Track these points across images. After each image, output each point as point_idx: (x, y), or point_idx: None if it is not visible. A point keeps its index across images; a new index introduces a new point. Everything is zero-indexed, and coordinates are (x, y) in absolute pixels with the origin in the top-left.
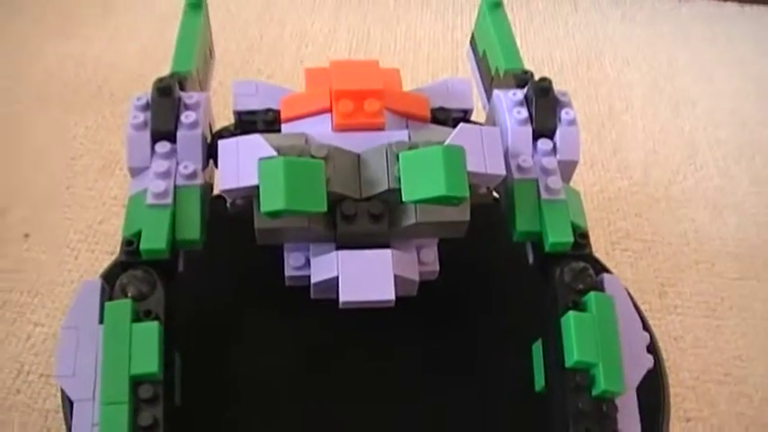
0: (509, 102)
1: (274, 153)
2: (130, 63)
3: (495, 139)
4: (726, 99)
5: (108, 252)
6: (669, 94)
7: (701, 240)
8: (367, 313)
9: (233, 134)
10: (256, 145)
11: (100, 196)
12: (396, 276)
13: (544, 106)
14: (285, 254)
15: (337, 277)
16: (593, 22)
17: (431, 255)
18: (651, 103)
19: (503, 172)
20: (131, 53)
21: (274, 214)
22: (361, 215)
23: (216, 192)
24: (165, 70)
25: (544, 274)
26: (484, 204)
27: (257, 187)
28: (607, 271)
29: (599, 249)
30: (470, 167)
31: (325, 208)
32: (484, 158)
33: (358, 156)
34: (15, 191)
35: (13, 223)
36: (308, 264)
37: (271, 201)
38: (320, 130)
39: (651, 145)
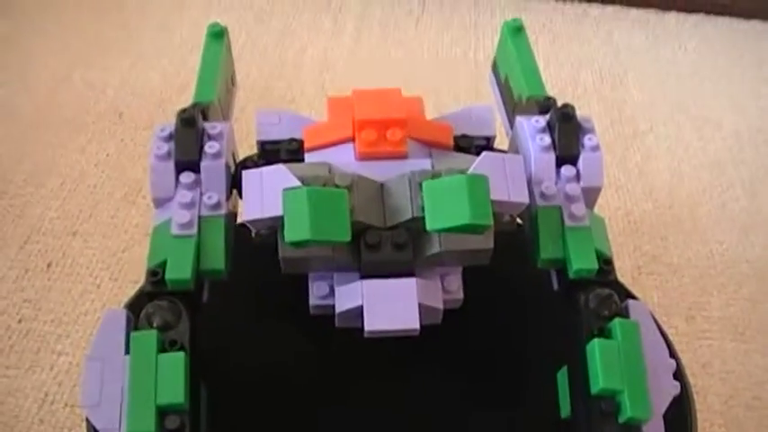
0: (532, 129)
1: (298, 183)
2: (151, 90)
3: (518, 167)
4: (752, 118)
5: (131, 281)
6: (694, 115)
7: (727, 263)
8: (391, 341)
9: (256, 164)
10: (280, 175)
11: (122, 224)
12: (420, 305)
13: (567, 132)
14: (309, 283)
15: (362, 306)
16: (617, 42)
17: (455, 283)
18: (676, 124)
19: (526, 200)
20: (152, 80)
21: (299, 244)
22: (385, 244)
23: (240, 220)
24: (186, 97)
25: (569, 300)
26: (507, 231)
27: (282, 218)
28: (632, 297)
29: (625, 274)
30: (494, 196)
31: (349, 237)
32: (507, 186)
33: (381, 184)
34: (37, 220)
35: (35, 252)
36: (332, 293)
37: (295, 231)
38: (343, 159)
39: (676, 166)
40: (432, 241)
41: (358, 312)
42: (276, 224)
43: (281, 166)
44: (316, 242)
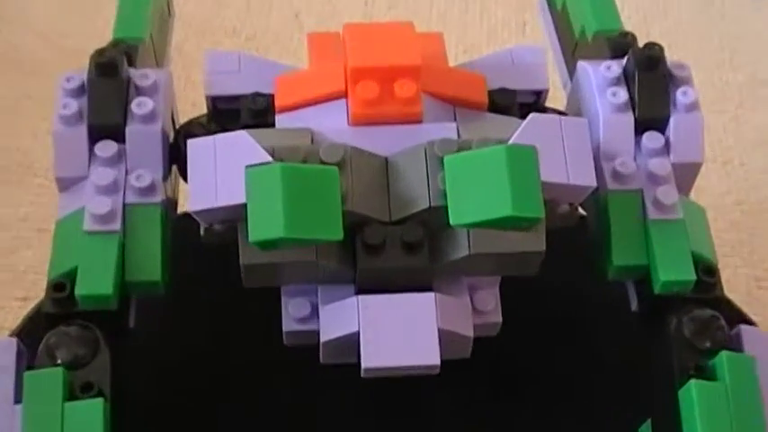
0: (601, 79)
1: (267, 157)
2: (51, 21)
3: (580, 135)
4: None
5: (18, 298)
6: None
7: None
8: (397, 382)
9: (206, 130)
10: (242, 146)
11: (4, 217)
12: (441, 331)
13: (652, 85)
14: (283, 300)
15: (358, 333)
16: None
17: (490, 300)
18: None
19: (592, 182)
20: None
21: (269, 245)
22: (391, 245)
23: (183, 210)
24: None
25: (653, 325)
26: (565, 227)
27: (244, 207)
28: (746, 321)
29: (737, 288)
30: (546, 176)
31: (340, 235)
32: (565, 163)
33: (385, 160)
34: None
35: None
36: (315, 314)
37: (264, 226)
38: (332, 123)
39: None
40: (457, 241)
41: (353, 342)
42: (236, 216)
43: (242, 134)
44: (293, 242)
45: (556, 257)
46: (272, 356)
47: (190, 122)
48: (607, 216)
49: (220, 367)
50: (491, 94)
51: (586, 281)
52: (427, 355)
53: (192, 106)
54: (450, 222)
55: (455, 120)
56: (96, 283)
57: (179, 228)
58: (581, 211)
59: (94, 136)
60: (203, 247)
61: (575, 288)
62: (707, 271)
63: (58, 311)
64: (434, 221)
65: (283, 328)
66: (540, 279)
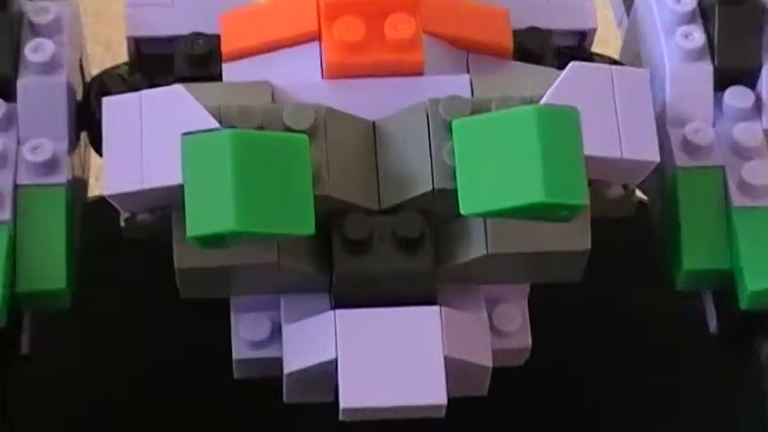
0: (669, 14)
1: (214, 122)
2: None
3: (639, 92)
4: None
5: None
6: None
7: None
8: (389, 429)
9: (128, 85)
10: (177, 106)
11: None
12: (449, 360)
13: (738, 22)
14: (233, 318)
15: (335, 362)
16: None
17: (516, 318)
18: None
19: (654, 156)
20: None
21: (214, 242)
22: (380, 241)
23: (96, 193)
24: None
25: (737, 351)
26: (618, 220)
27: (180, 190)
28: None
29: None
30: (592, 149)
31: (311, 228)
32: (617, 129)
33: (373, 126)
34: None
35: None
36: (277, 336)
37: (208, 216)
38: (299, 75)
39: None
40: (470, 237)
41: (328, 374)
42: (169, 202)
43: (178, 89)
44: (248, 238)
45: (605, 259)
46: (217, 396)
47: (105, 74)
48: (675, 203)
49: (144, 412)
50: (517, 35)
51: (647, 291)
52: (430, 391)
53: (106, 50)
54: (461, 211)
55: (468, 71)
56: None
57: (90, 218)
58: (639, 195)
59: None
60: (124, 243)
61: (631, 301)
62: None
63: None
64: (439, 210)
65: (233, 356)
66: (583, 289)
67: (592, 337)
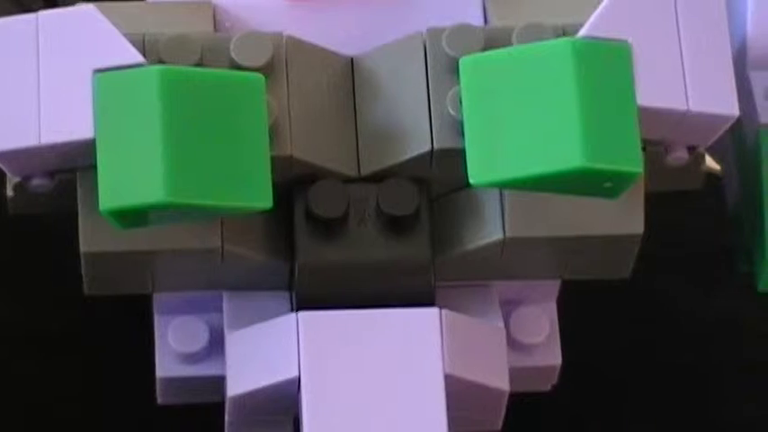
0: None
1: (137, 56)
2: None
3: (711, 21)
4: None
5: None
6: None
7: None
8: None
9: (20, 4)
10: (88, 33)
11: None
12: (451, 380)
13: None
14: (157, 321)
15: (297, 382)
16: None
17: (541, 325)
18: None
19: (731, 109)
20: None
21: (135, 217)
22: (359, 219)
23: None
24: None
25: None
26: (681, 194)
27: (91, 147)
28: None
29: None
30: (648, 98)
31: (269, 201)
32: (682, 73)
33: (350, 63)
34: None
35: None
36: (217, 347)
37: (127, 184)
38: None
39: None
40: (482, 215)
41: (286, 398)
42: (74, 163)
43: (88, 9)
44: (181, 213)
45: (662, 249)
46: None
47: None
48: (759, 173)
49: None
50: None
51: (720, 292)
52: (425, 424)
53: None
54: (471, 180)
55: None
56: None
57: None
58: (710, 162)
59: None
60: (10, 219)
61: (698, 304)
62: None
63: None
64: (440, 178)
65: (157, 373)
66: (631, 288)
67: (641, 353)
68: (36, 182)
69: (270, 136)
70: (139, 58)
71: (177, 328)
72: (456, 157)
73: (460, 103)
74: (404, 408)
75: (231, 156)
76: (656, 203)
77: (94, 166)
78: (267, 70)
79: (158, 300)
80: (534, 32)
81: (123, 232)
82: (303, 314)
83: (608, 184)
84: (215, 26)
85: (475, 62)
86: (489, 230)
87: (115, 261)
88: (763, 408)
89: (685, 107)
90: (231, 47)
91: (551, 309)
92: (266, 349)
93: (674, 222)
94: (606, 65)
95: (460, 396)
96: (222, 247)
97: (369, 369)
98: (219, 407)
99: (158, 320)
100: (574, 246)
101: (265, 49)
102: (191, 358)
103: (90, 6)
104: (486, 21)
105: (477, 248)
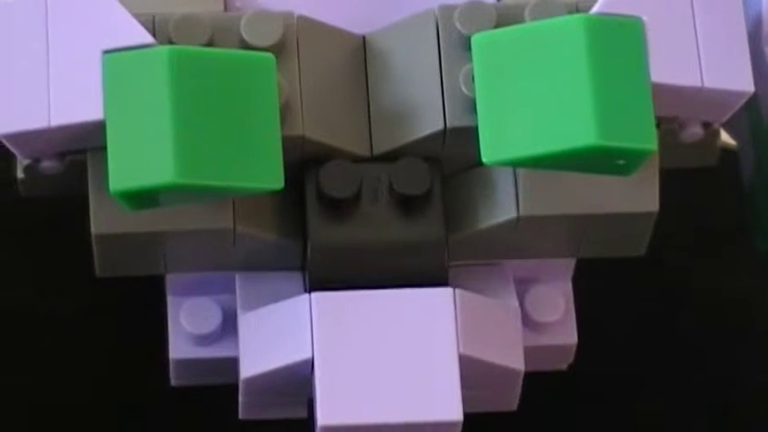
0: None
1: (147, 36)
2: None
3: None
4: None
5: None
6: None
7: None
8: None
9: None
10: (98, 12)
11: None
12: (465, 360)
13: None
14: (170, 302)
15: (311, 363)
16: None
17: (556, 304)
18: None
19: (747, 85)
20: None
21: (145, 199)
22: (371, 199)
23: None
24: None
25: None
26: (695, 171)
27: (101, 128)
28: None
29: None
30: (661, 75)
31: (280, 182)
32: (696, 48)
33: (363, 42)
34: None
35: None
36: (230, 329)
37: (137, 165)
38: None
39: None
40: (495, 193)
41: (300, 380)
42: (83, 144)
43: None
44: (192, 194)
45: (677, 225)
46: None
47: None
48: None
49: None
50: None
51: (735, 271)
52: (439, 404)
53: None
54: (484, 159)
55: None
56: None
57: None
58: (725, 138)
59: None
60: (20, 201)
61: (713, 281)
62: None
63: None
64: (453, 157)
65: (170, 355)
66: (647, 266)
67: (654, 330)
68: (46, 164)
69: (281, 116)
70: (149, 39)
71: (190, 310)
72: (469, 135)
73: (473, 80)
74: (418, 388)
75: (242, 136)
76: (670, 180)
77: (104, 148)
78: (278, 50)
79: (171, 281)
80: (547, 9)
81: (134, 213)
82: (316, 295)
83: (621, 162)
84: (225, 6)
85: (487, 39)
86: (503, 209)
87: (126, 242)
88: None
89: (700, 83)
90: (241, 26)
91: (567, 287)
92: (279, 330)
93: (689, 199)
94: (619, 41)
95: (475, 376)
96: (234, 227)
97: (382, 350)
98: (233, 388)
99: (171, 302)
100: (588, 224)
101: (276, 28)
102: (204, 340)
103: None
104: None
105: (491, 227)
